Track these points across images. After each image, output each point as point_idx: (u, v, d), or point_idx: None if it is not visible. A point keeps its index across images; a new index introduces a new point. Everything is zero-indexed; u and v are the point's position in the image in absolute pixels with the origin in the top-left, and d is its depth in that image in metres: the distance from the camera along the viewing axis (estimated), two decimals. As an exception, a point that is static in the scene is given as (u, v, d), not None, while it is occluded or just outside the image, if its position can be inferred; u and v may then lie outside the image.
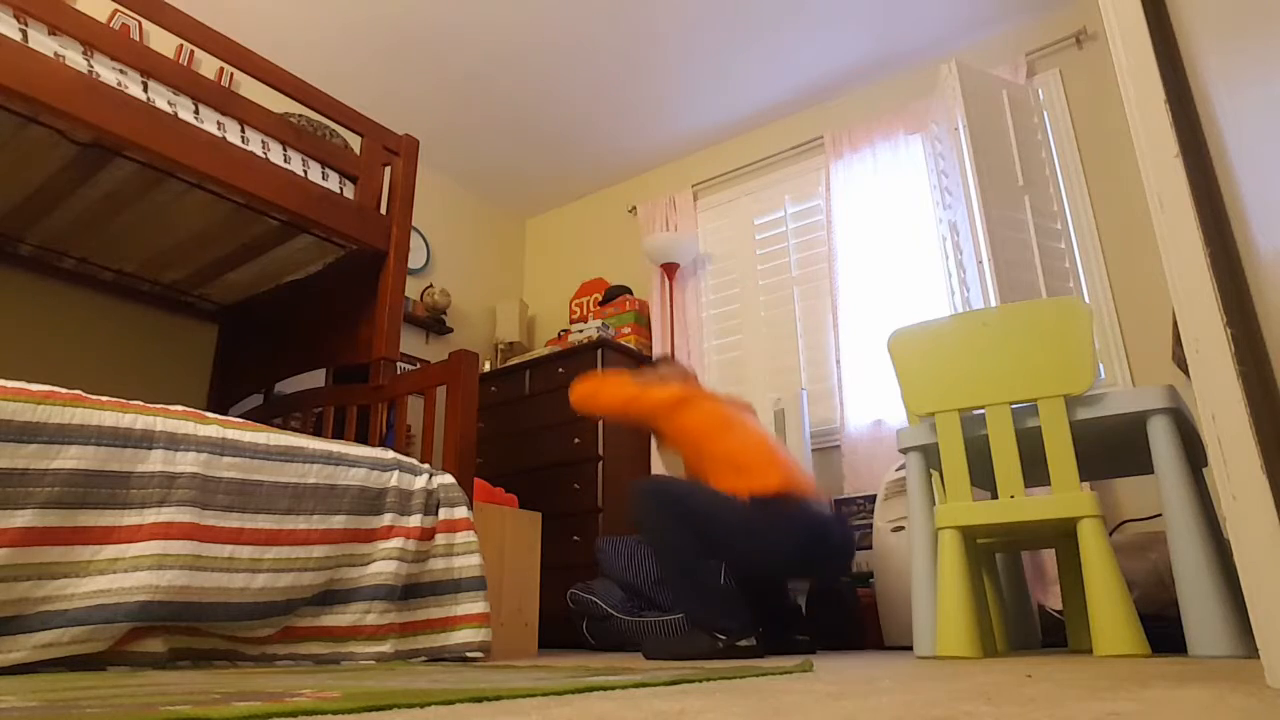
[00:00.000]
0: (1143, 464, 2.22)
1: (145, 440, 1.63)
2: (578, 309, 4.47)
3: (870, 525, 3.15)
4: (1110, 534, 2.47)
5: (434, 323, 4.25)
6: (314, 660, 1.82)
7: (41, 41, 1.91)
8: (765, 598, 2.33)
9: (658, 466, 3.72)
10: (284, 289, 2.92)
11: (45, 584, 1.44)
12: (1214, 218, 0.90)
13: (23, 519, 1.42)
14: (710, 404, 2.32)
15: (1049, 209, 3.10)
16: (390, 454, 2.11)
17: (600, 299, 4.34)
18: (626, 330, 4.04)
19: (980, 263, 2.86)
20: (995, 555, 2.25)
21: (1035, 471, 2.11)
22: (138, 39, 2.89)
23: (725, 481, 2.13)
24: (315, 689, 0.91)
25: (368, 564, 1.94)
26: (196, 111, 2.18)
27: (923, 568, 1.91)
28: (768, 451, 2.19)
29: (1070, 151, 3.29)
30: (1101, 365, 3.03)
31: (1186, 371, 1.86)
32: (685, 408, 2.30)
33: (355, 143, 3.22)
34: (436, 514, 2.12)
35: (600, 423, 3.53)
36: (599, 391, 2.41)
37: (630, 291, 4.28)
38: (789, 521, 2.06)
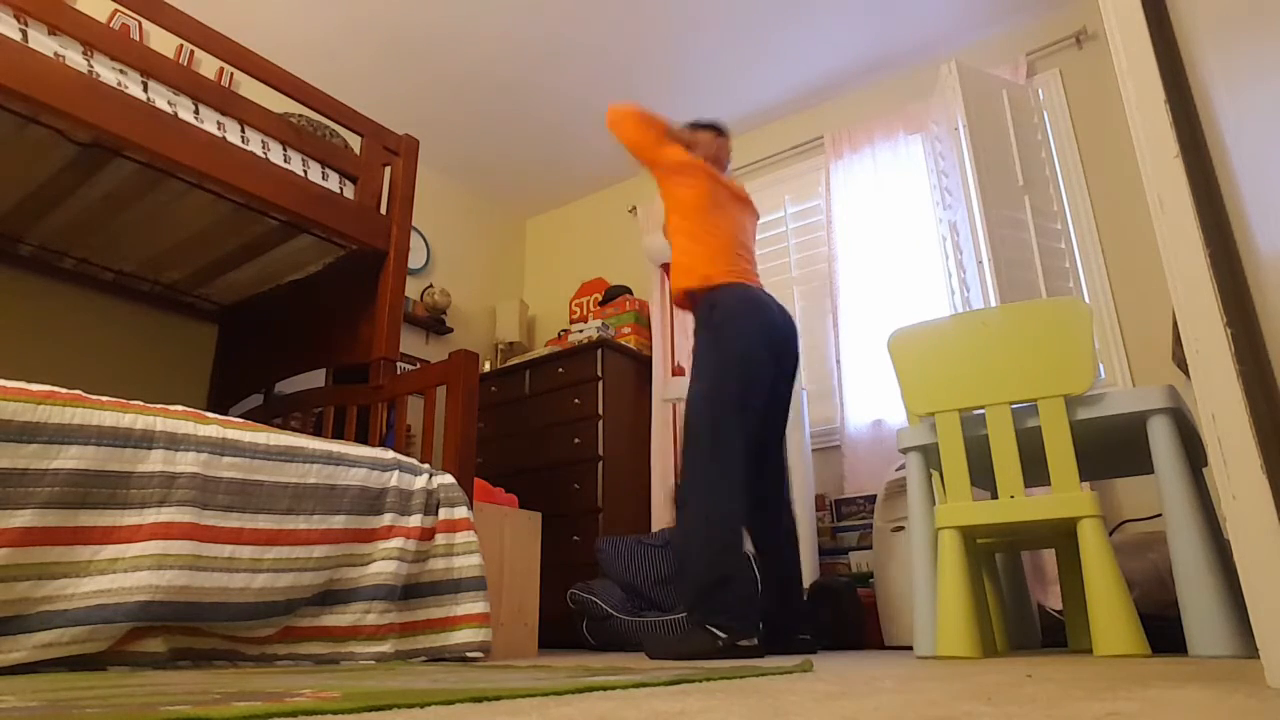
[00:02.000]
0: (1143, 464, 2.22)
1: (145, 440, 1.63)
2: (578, 309, 4.47)
3: (870, 525, 3.15)
4: (1110, 534, 2.47)
5: (434, 323, 4.25)
6: (314, 660, 1.82)
7: (41, 41, 1.91)
8: (772, 587, 2.31)
9: (658, 464, 3.73)
10: (284, 289, 2.92)
11: (45, 584, 1.44)
12: (1214, 218, 0.90)
13: (23, 519, 1.42)
14: (705, 183, 2.48)
15: (1049, 209, 3.10)
16: (390, 454, 2.11)
17: (600, 299, 4.34)
18: (626, 330, 4.04)
19: (980, 263, 2.86)
20: (995, 555, 2.25)
21: (1035, 471, 2.11)
22: (138, 39, 2.89)
23: (682, 255, 2.42)
24: (315, 689, 0.91)
25: (368, 564, 1.94)
26: (196, 111, 2.19)
27: (923, 568, 1.91)
28: (730, 244, 2.44)
29: (1070, 151, 3.29)
30: (1101, 365, 3.03)
31: (1186, 371, 1.86)
32: (682, 175, 2.48)
33: (355, 143, 3.22)
34: (436, 514, 2.12)
35: (600, 423, 3.53)
36: (625, 121, 2.54)
37: (630, 291, 4.29)
38: (738, 304, 2.29)
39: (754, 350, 2.25)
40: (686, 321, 4.06)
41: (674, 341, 4.00)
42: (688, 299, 2.44)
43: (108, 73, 2.01)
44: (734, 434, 2.15)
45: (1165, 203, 0.93)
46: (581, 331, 3.99)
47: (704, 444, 2.14)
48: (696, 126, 2.70)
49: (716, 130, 2.69)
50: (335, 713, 0.68)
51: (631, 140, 2.54)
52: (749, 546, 2.08)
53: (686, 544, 2.08)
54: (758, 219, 2.74)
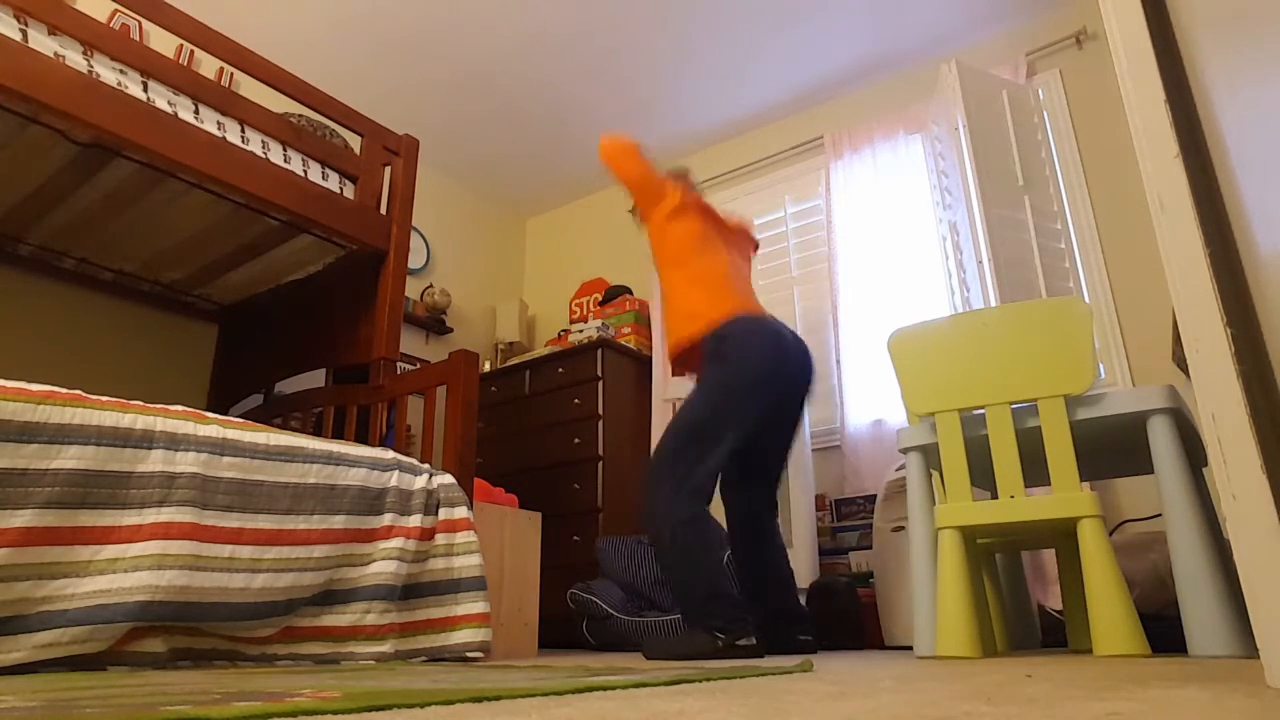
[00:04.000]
0: (1143, 464, 2.22)
1: (145, 440, 1.63)
2: (578, 309, 4.47)
3: (870, 525, 3.15)
4: (1110, 534, 2.47)
5: (434, 323, 4.25)
6: (314, 660, 1.82)
7: (41, 41, 1.91)
8: (766, 588, 2.32)
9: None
10: (284, 289, 2.92)
11: (45, 584, 1.44)
12: (1214, 218, 0.90)
13: (23, 519, 1.42)
14: (701, 221, 2.45)
15: (1049, 209, 3.10)
16: (390, 454, 2.11)
17: (600, 299, 4.33)
18: (626, 330, 4.04)
19: (980, 263, 2.86)
20: (995, 555, 2.25)
21: (1035, 471, 2.11)
22: (138, 39, 2.89)
23: (683, 301, 2.32)
24: (315, 689, 0.91)
25: (368, 564, 1.94)
26: (196, 111, 2.18)
27: (923, 568, 1.91)
28: (723, 280, 2.34)
29: (1070, 151, 3.29)
30: (1101, 365, 3.03)
31: (1186, 371, 1.86)
32: (678, 218, 2.43)
33: (355, 143, 3.22)
34: (436, 514, 2.12)
35: (600, 423, 3.53)
36: (624, 158, 2.49)
37: (630, 291, 4.29)
38: (750, 335, 2.21)
39: (761, 381, 2.20)
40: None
41: (674, 341, 3.99)
42: (694, 349, 2.30)
43: (108, 73, 2.01)
44: (710, 455, 2.15)
45: (1165, 203, 0.93)
46: (581, 331, 3.99)
47: (679, 455, 2.14)
48: (676, 173, 2.65)
49: (684, 176, 2.66)
50: (335, 713, 0.68)
51: (634, 176, 2.46)
52: (714, 535, 2.10)
53: (666, 568, 2.11)
54: (757, 248, 2.71)
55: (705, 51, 3.68)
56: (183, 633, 1.64)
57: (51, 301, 2.80)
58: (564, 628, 3.25)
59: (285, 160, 2.37)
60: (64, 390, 1.55)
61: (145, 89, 2.08)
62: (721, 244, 2.47)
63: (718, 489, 2.33)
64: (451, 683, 1.04)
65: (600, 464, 3.48)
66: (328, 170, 2.50)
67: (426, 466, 2.18)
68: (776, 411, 2.35)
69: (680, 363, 2.41)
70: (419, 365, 3.95)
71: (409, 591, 2.00)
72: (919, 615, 1.88)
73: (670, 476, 2.12)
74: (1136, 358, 2.98)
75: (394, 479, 2.04)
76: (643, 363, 3.93)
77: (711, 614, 1.99)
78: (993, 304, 2.77)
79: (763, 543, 2.38)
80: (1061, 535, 2.06)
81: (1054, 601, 2.72)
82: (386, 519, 2.00)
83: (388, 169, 2.71)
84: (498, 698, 0.82)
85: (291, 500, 1.82)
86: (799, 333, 3.76)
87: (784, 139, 4.11)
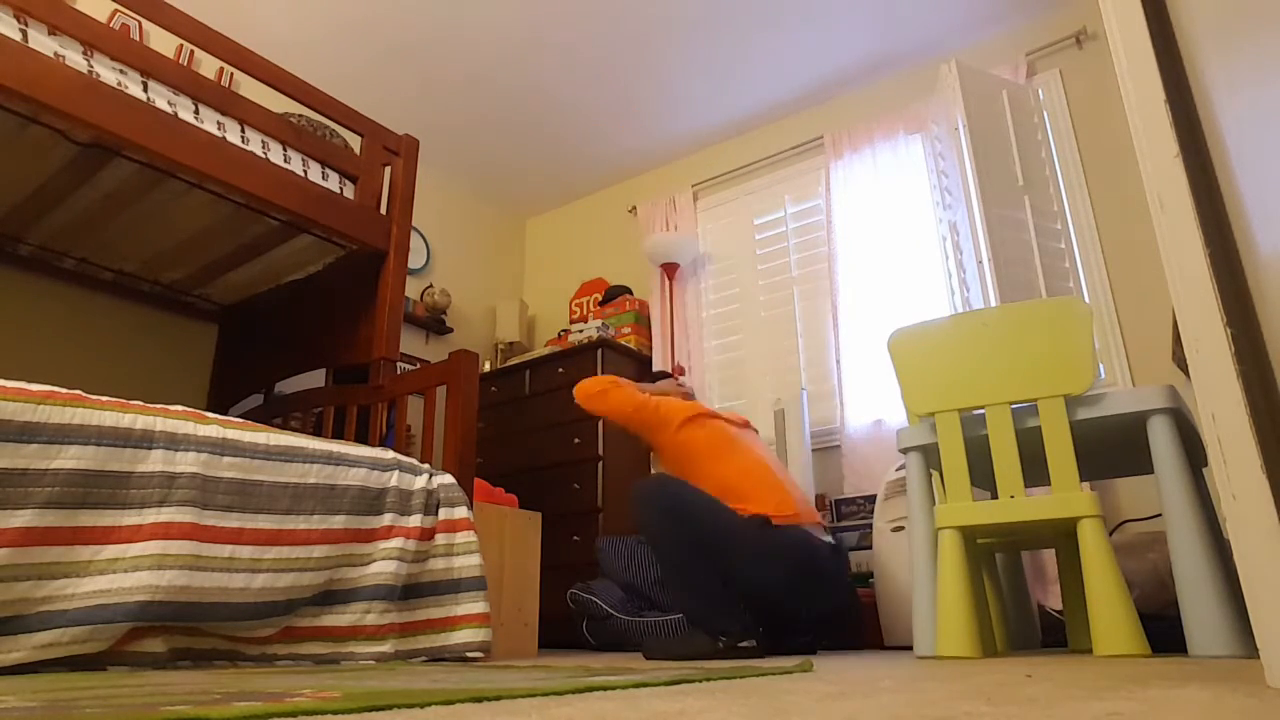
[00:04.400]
0: (1143, 464, 2.21)
1: (145, 440, 1.63)
2: (578, 309, 4.47)
3: (870, 525, 3.15)
4: (1110, 534, 2.47)
5: (434, 323, 4.25)
6: (314, 660, 1.82)
7: (41, 41, 1.91)
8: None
9: (658, 466, 3.72)
10: (284, 289, 2.92)
11: (45, 584, 1.44)
12: (1214, 218, 0.90)
13: (23, 519, 1.42)
14: (715, 423, 2.35)
15: (1049, 209, 3.10)
16: (390, 454, 2.11)
17: (600, 299, 4.33)
18: (626, 330, 4.04)
19: (980, 263, 2.86)
20: (995, 555, 2.25)
21: (1035, 471, 2.11)
22: (138, 39, 2.89)
23: (732, 480, 2.20)
24: (315, 689, 0.91)
25: (368, 564, 1.94)
26: (196, 111, 2.18)
27: (923, 568, 1.91)
28: (767, 477, 2.23)
29: (1070, 151, 3.29)
30: (1101, 365, 3.03)
31: (1186, 371, 1.86)
32: (692, 424, 2.33)
33: (355, 143, 3.22)
34: (436, 514, 2.12)
35: (600, 423, 3.53)
36: (608, 394, 2.42)
37: (630, 291, 4.29)
38: (780, 547, 2.09)
39: (772, 589, 2.09)
40: (687, 318, 4.05)
41: (674, 341, 4.00)
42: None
43: (108, 73, 2.01)
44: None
45: (1165, 203, 0.93)
46: (581, 331, 3.99)
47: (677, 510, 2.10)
48: (652, 378, 2.60)
49: (665, 374, 2.60)
50: (335, 713, 0.68)
51: (625, 409, 2.36)
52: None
53: (665, 571, 2.11)
54: (758, 435, 2.61)
55: (705, 52, 3.68)
56: (183, 633, 1.64)
57: (51, 301, 2.80)
58: (564, 628, 3.25)
59: (285, 160, 2.37)
60: (64, 390, 1.55)
61: (145, 89, 2.08)
62: (741, 438, 2.36)
63: None
64: (451, 683, 1.04)
65: (600, 464, 3.48)
66: (328, 170, 2.50)
67: (426, 466, 2.18)
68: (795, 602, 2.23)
69: None
70: (419, 365, 3.95)
71: (409, 591, 2.00)
72: (919, 615, 1.88)
73: (661, 504, 2.10)
74: (1136, 358, 2.98)
75: (394, 479, 2.04)
76: (643, 363, 3.93)
77: (713, 615, 1.99)
78: (993, 304, 2.77)
79: None
80: (1061, 535, 2.06)
81: (1054, 601, 2.71)
82: (386, 519, 2.00)
83: (388, 169, 2.71)
84: (498, 698, 0.82)
85: (291, 500, 1.82)
86: (799, 334, 3.78)
87: (784, 139, 4.11)
